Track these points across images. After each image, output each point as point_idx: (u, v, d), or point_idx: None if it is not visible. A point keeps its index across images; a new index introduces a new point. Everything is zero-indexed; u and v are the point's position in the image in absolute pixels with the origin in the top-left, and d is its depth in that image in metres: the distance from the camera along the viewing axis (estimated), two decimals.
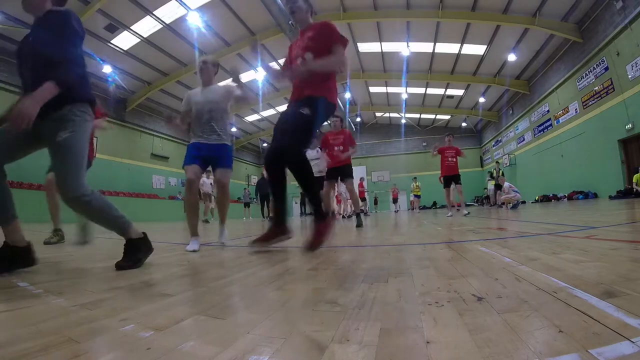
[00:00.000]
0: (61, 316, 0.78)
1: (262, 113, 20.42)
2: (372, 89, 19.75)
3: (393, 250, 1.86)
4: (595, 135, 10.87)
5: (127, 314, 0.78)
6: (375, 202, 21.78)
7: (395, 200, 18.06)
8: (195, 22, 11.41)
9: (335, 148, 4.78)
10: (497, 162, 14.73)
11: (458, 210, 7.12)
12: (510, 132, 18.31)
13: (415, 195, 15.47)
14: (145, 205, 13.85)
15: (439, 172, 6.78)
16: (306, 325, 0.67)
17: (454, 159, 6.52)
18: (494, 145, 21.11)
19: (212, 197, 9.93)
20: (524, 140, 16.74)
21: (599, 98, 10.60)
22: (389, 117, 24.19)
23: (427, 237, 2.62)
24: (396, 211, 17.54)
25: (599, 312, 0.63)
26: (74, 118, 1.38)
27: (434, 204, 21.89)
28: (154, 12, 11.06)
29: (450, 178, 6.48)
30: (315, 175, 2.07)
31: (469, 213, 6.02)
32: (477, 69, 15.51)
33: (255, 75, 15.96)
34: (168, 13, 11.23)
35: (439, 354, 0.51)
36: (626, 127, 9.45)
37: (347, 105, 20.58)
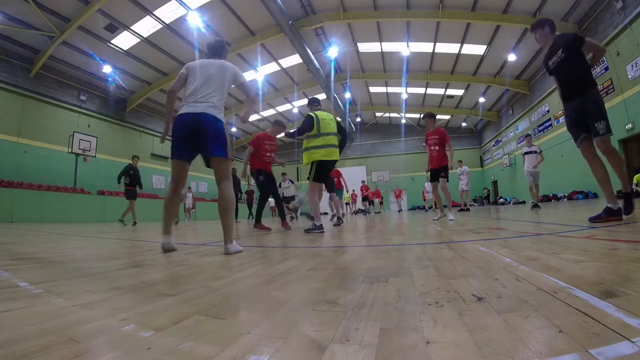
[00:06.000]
0: (61, 316, 0.78)
1: (262, 113, 20.44)
2: (372, 89, 19.75)
3: (393, 250, 1.86)
4: None
5: (127, 314, 0.78)
6: (381, 202, 21.85)
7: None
8: (195, 22, 11.42)
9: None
10: None
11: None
12: (510, 132, 18.31)
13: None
14: (145, 205, 13.84)
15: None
16: (306, 325, 0.67)
17: (437, 148, 5.08)
18: (494, 145, 21.11)
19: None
20: (524, 140, 16.76)
21: None
22: (389, 117, 24.20)
23: (427, 237, 2.62)
24: (399, 211, 17.86)
25: (599, 312, 0.62)
26: None
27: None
28: (154, 12, 11.07)
29: (436, 172, 5.10)
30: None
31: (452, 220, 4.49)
32: (477, 69, 15.51)
33: (255, 75, 15.96)
34: (168, 13, 11.24)
35: (439, 354, 0.51)
36: (626, 127, 9.45)
37: (347, 105, 20.60)
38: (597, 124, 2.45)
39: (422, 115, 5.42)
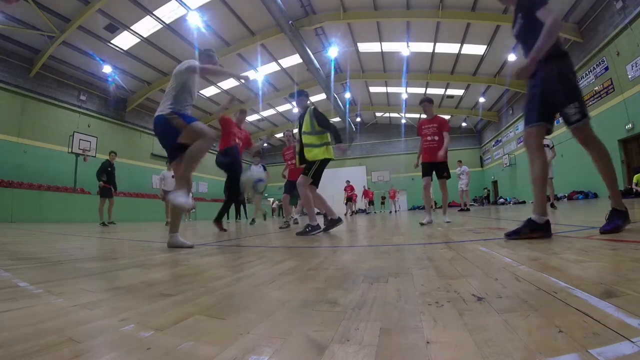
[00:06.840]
0: (61, 316, 0.78)
1: (262, 113, 20.44)
2: (372, 89, 19.76)
3: (393, 250, 1.86)
4: None
5: (127, 314, 0.78)
6: (382, 202, 21.91)
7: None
8: (195, 22, 11.43)
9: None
10: None
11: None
12: (510, 132, 18.31)
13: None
14: (146, 205, 13.84)
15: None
16: (306, 325, 0.67)
17: (436, 138, 4.37)
18: (494, 145, 21.12)
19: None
20: (523, 141, 16.77)
21: (599, 98, 10.60)
22: (389, 117, 24.22)
23: (427, 237, 2.62)
24: (390, 212, 17.97)
25: (599, 312, 0.62)
26: None
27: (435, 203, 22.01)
28: (154, 12, 11.08)
29: (431, 166, 4.40)
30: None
31: (449, 222, 4.08)
32: (477, 69, 15.51)
33: (255, 75, 15.96)
34: (168, 13, 11.25)
35: (439, 354, 0.51)
36: (626, 127, 9.46)
37: (347, 105, 20.61)
38: (568, 108, 1.81)
39: (420, 101, 4.58)
